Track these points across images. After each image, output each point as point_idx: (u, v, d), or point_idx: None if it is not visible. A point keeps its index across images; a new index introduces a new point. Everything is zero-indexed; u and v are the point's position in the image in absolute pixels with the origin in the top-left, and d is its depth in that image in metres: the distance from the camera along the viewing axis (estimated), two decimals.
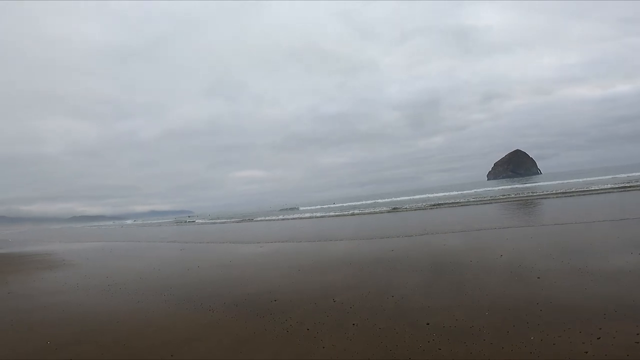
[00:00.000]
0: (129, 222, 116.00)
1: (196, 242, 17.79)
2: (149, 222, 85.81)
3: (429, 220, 18.16)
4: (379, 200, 50.00)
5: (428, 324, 4.35)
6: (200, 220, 56.81)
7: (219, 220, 47.01)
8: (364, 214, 28.10)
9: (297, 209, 56.93)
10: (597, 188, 25.31)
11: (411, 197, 48.70)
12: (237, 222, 37.87)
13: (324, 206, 54.50)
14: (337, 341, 4.14)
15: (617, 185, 24.91)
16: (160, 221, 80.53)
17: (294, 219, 32.27)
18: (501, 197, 28.65)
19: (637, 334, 3.60)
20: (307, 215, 35.31)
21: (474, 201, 26.58)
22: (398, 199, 48.91)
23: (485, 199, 28.37)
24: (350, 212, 31.76)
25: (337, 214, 31.55)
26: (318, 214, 33.95)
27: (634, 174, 37.16)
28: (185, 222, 57.24)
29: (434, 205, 28.18)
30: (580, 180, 38.96)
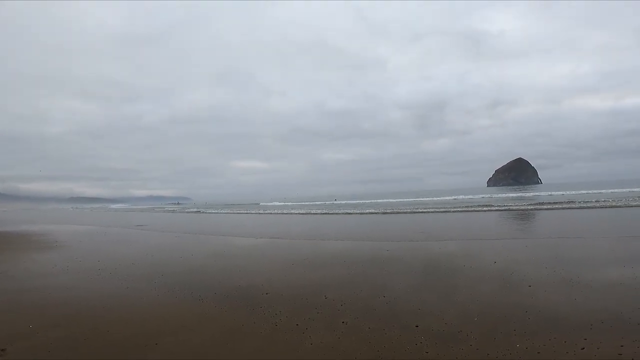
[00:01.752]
0: (114, 206, 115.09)
1: (189, 232, 17.75)
2: (132, 207, 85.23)
3: (425, 224, 18.16)
4: (378, 201, 49.95)
5: (417, 326, 4.34)
6: (170, 207, 56.67)
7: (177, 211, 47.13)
8: (354, 213, 28.08)
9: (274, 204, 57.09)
10: (594, 202, 25.34)
11: (412, 200, 48.66)
12: (195, 213, 37.87)
13: (320, 202, 54.33)
14: (325, 338, 4.13)
15: (616, 201, 24.84)
16: (139, 207, 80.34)
17: (273, 213, 32.17)
18: (498, 205, 28.65)
19: (622, 346, 3.62)
20: (275, 211, 35.05)
21: (471, 208, 26.52)
22: (396, 200, 48.92)
23: (483, 206, 28.36)
24: (347, 211, 31.67)
25: (323, 212, 31.50)
26: (295, 211, 33.74)
27: (635, 189, 37.26)
28: (154, 209, 57.58)
29: (432, 209, 28.18)
30: (581, 192, 38.96)
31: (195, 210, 46.25)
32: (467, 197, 45.75)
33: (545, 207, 23.47)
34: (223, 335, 4.31)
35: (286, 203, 57.30)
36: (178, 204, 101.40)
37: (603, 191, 38.29)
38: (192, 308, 5.35)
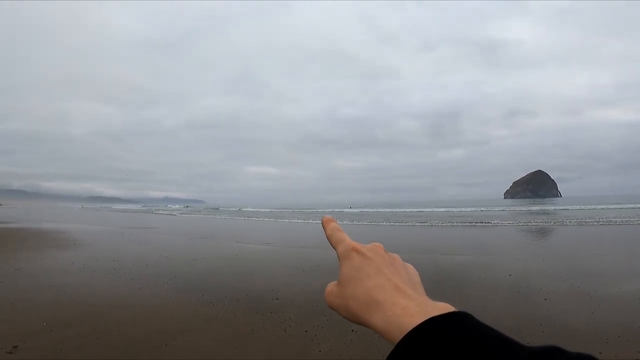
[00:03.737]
0: (116, 207, 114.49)
1: (202, 235, 17.87)
2: (132, 208, 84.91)
3: (439, 236, 17.98)
4: (394, 210, 49.55)
5: None
6: (163, 212, 56.42)
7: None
8: (367, 223, 27.89)
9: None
10: (613, 218, 24.69)
11: (427, 210, 48.19)
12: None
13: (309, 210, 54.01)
14: (334, 346, 4.10)
15: (635, 218, 24.13)
16: (140, 208, 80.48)
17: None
18: (515, 219, 28.17)
19: None
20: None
21: (487, 222, 26.13)
22: (411, 210, 48.53)
23: (499, 220, 27.92)
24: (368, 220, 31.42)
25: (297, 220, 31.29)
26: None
27: None
28: (151, 211, 58.39)
29: (447, 223, 27.89)
30: (601, 207, 38.04)
31: (204, 213, 46.19)
32: (483, 209, 45.03)
33: (564, 222, 22.94)
34: (233, 338, 4.31)
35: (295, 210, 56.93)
36: (186, 206, 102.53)
37: (623, 206, 37.36)
38: (203, 310, 5.37)
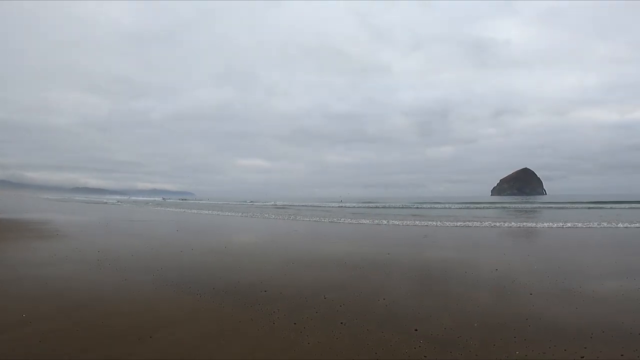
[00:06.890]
0: (78, 197, 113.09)
1: (190, 228, 17.73)
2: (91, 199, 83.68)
3: (428, 232, 18.10)
4: (385, 204, 49.75)
5: (416, 330, 4.30)
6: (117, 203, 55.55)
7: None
8: (355, 223, 27.92)
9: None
10: (597, 216, 25.04)
11: (417, 207, 48.51)
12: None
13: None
14: (323, 338, 4.09)
15: (617, 219, 24.56)
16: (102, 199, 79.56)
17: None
18: (502, 217, 28.49)
19: (622, 355, 3.62)
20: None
21: (474, 219, 26.37)
22: (401, 205, 48.81)
23: (485, 218, 28.21)
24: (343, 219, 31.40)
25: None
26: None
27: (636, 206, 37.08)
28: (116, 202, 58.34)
29: (435, 221, 28.11)
30: (586, 207, 38.69)
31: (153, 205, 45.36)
32: (471, 206, 45.50)
33: (547, 220, 23.26)
34: (220, 331, 4.27)
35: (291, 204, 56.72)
36: (163, 198, 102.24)
37: (606, 206, 38.11)
38: (189, 303, 5.32)
